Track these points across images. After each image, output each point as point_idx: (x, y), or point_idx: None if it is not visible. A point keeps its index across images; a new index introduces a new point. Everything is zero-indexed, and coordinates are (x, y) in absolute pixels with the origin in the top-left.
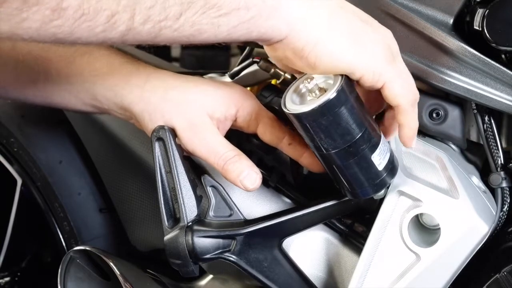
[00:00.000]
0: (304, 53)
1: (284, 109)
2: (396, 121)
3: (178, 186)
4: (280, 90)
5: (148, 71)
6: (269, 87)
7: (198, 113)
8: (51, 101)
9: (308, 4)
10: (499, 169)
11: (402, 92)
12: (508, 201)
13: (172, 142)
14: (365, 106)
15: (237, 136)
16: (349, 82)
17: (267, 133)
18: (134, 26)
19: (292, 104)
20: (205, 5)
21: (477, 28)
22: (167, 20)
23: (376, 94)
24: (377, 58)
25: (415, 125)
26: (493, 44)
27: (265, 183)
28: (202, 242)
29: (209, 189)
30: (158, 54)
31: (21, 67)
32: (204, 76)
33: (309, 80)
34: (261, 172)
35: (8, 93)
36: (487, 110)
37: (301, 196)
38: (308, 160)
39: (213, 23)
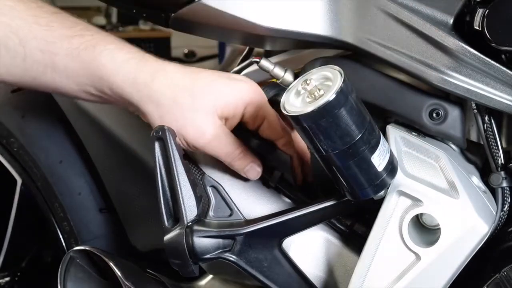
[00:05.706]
0: None
1: (283, 111)
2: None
3: (178, 186)
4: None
5: (155, 67)
6: (272, 84)
7: (209, 118)
8: (61, 90)
9: None
10: (499, 169)
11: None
12: (509, 201)
13: (172, 142)
14: (365, 107)
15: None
16: (348, 84)
17: (266, 130)
18: None
19: (291, 106)
20: None
21: (477, 28)
22: None
23: None
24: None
25: None
26: (493, 44)
27: (266, 183)
28: (202, 242)
29: (209, 189)
30: (158, 54)
31: (29, 60)
32: None
33: (308, 81)
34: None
35: (18, 83)
36: (487, 110)
37: (301, 196)
38: (295, 163)
39: None
